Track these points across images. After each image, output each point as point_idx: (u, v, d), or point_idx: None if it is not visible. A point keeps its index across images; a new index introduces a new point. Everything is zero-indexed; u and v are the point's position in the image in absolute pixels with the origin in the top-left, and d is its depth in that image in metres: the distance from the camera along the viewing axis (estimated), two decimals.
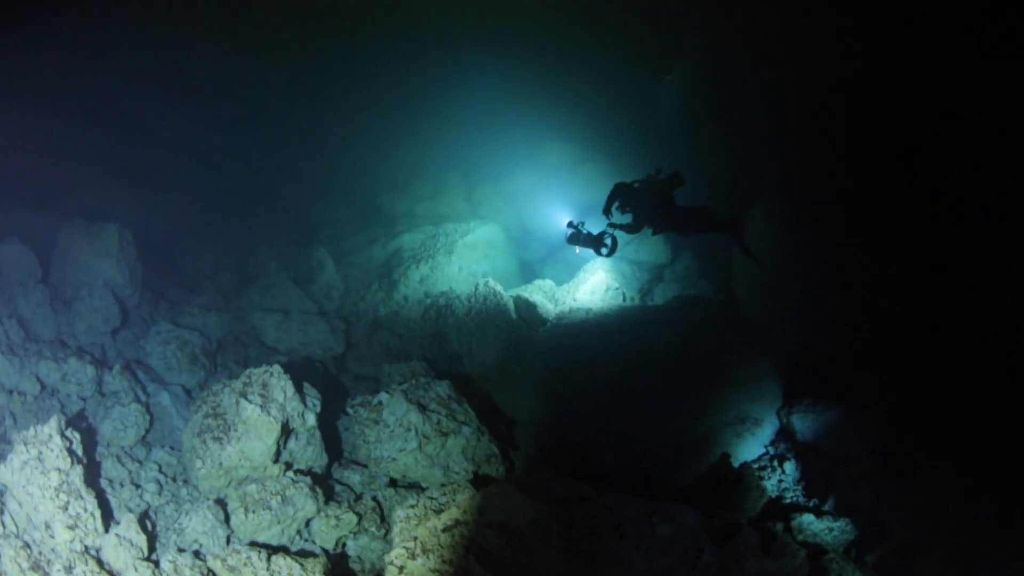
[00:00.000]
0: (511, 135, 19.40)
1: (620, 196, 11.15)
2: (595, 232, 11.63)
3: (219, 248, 16.20)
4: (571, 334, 12.54)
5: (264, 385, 7.87)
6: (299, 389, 8.28)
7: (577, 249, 12.16)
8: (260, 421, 7.56)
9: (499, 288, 13.21)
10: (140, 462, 9.26)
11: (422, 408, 8.56)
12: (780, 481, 9.54)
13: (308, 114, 20.98)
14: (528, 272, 16.96)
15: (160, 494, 8.79)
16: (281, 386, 7.88)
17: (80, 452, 7.75)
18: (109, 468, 8.95)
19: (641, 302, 14.75)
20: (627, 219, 11.35)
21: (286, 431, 8.00)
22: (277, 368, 8.06)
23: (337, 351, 12.18)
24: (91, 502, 7.31)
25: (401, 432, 8.37)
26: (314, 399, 8.38)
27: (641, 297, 15.09)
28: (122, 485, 8.74)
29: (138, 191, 16.39)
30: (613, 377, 11.52)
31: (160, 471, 9.19)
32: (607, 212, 11.25)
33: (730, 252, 13.08)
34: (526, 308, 13.46)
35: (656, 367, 11.57)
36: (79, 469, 7.39)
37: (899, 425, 9.57)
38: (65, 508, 7.02)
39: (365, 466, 9.02)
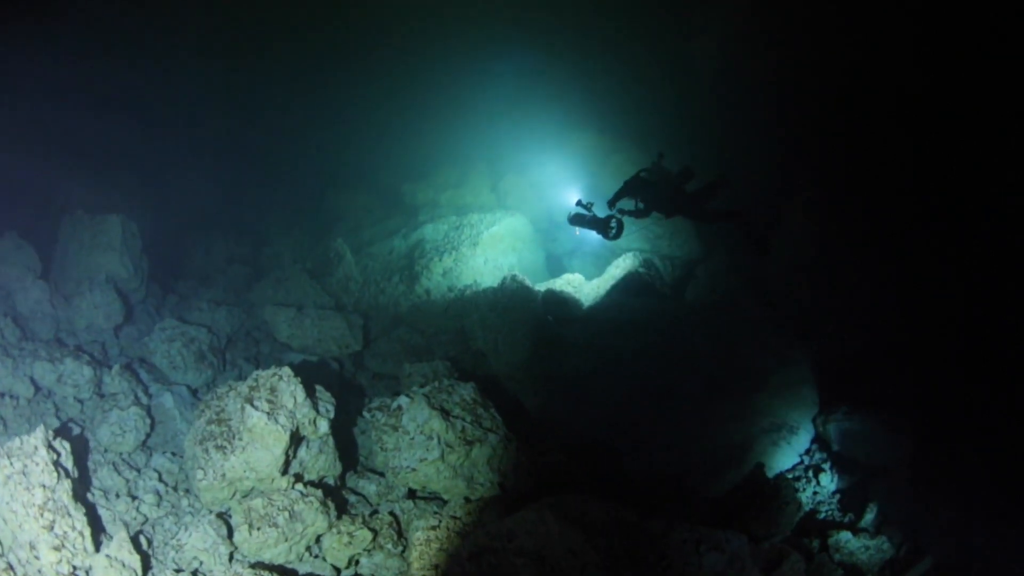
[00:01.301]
0: (539, 123, 18.60)
1: (630, 190, 11.11)
2: (601, 216, 11.49)
3: (232, 239, 15.50)
4: (603, 333, 11.77)
5: (272, 390, 7.09)
6: (311, 393, 7.51)
7: (577, 231, 12.20)
8: (267, 430, 6.80)
9: (527, 282, 12.46)
10: (138, 470, 8.58)
11: (445, 414, 7.76)
12: (815, 493, 9.44)
13: (328, 100, 20.29)
14: (555, 266, 16.18)
15: (159, 505, 8.09)
16: (291, 391, 7.09)
17: (70, 464, 7.06)
18: (105, 477, 8.29)
19: (675, 299, 13.93)
20: (631, 205, 11.27)
21: (296, 439, 7.24)
22: (287, 371, 7.28)
23: (354, 348, 11.43)
24: (80, 520, 6.60)
25: (422, 440, 7.57)
26: (327, 404, 7.61)
27: (674, 294, 14.28)
28: (118, 496, 8.05)
29: (147, 181, 15.91)
30: (647, 379, 10.96)
31: (160, 479, 8.50)
32: (613, 204, 11.27)
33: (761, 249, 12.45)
34: (555, 304, 12.68)
35: (692, 369, 11.04)
36: (67, 484, 6.68)
37: (936, 434, 9.64)
38: (51, 528, 6.31)
39: (382, 475, 8.30)
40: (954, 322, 10.77)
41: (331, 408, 7.57)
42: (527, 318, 11.64)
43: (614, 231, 11.40)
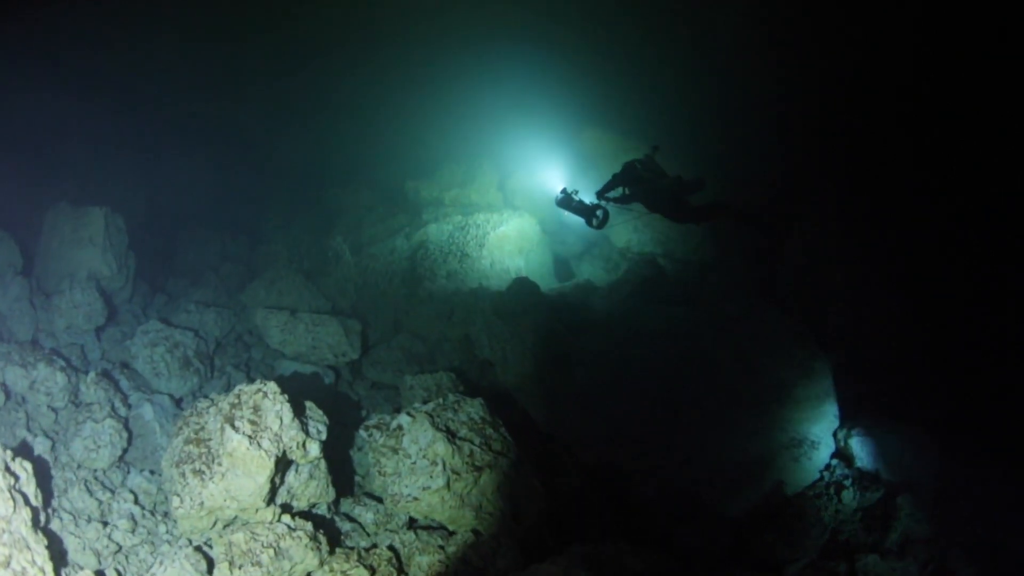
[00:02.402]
0: (547, 120, 17.87)
1: (620, 182, 10.87)
2: (587, 202, 11.39)
3: (227, 236, 14.74)
4: (616, 343, 11.10)
5: (255, 409, 6.27)
6: (300, 412, 6.71)
7: (565, 213, 12.01)
8: (249, 456, 6.00)
9: (536, 287, 11.76)
10: (113, 490, 7.90)
11: (451, 435, 6.97)
12: (838, 512, 9.00)
13: (330, 93, 19.41)
14: (563, 269, 15.49)
15: (134, 532, 7.39)
16: (276, 411, 6.27)
17: (31, 489, 6.31)
18: (75, 498, 7.61)
19: (691, 307, 13.19)
20: (618, 192, 11.02)
21: (283, 464, 6.44)
22: (272, 387, 6.45)
23: (351, 356, 10.62)
24: (40, 553, 5.90)
25: (425, 466, 6.78)
26: (319, 424, 6.80)
27: (689, 300, 13.55)
28: (89, 521, 7.35)
29: (140, 172, 15.15)
30: (663, 392, 10.36)
31: (136, 501, 7.81)
32: (601, 196, 11.07)
33: (777, 256, 13.14)
34: (566, 311, 11.95)
35: (711, 381, 10.45)
36: (25, 513, 5.96)
37: (962, 448, 9.30)
38: (7, 563, 5.56)
39: (380, 500, 7.50)
40: (981, 332, 10.31)
41: (323, 429, 6.75)
42: (536, 326, 10.94)
43: (598, 220, 11.30)
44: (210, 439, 6.45)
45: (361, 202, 16.78)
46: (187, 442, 6.56)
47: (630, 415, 10.12)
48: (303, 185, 18.17)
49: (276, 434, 6.17)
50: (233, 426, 6.07)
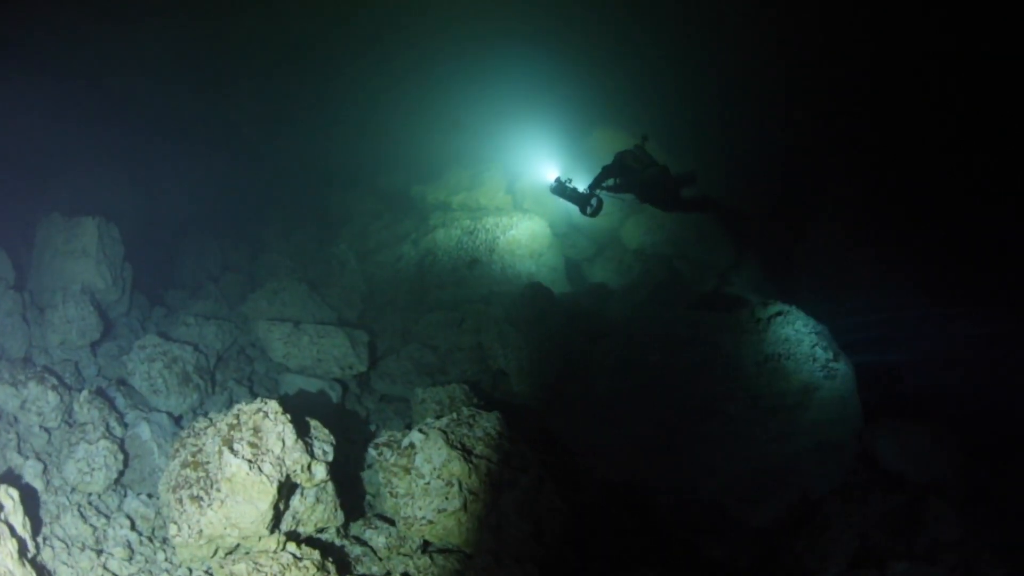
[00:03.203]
0: (556, 121, 17.50)
1: (610, 175, 11.12)
2: (580, 190, 11.52)
3: (228, 245, 14.28)
4: (636, 349, 10.63)
5: (256, 430, 5.78)
6: (304, 432, 6.23)
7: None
8: (249, 481, 5.52)
9: (550, 292, 11.36)
10: (108, 516, 7.39)
11: (467, 453, 6.50)
12: (864, 517, 8.55)
13: (333, 98, 19.13)
14: (575, 273, 15.01)
15: (130, 560, 6.90)
16: (278, 432, 5.77)
17: (19, 518, 5.86)
18: (68, 525, 7.12)
19: (709, 308, 12.78)
20: (611, 181, 11.28)
21: (287, 488, 5.96)
22: (273, 406, 5.95)
23: (359, 369, 10.10)
24: None
25: (440, 486, 6.30)
26: (325, 444, 6.30)
27: (707, 303, 13.14)
28: (83, 549, 6.86)
29: (138, 181, 14.77)
30: (686, 399, 9.96)
31: (133, 527, 7.32)
32: (594, 188, 11.29)
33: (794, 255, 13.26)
34: (581, 316, 11.52)
35: (734, 386, 10.02)
36: (11, 545, 5.49)
37: (990, 449, 9.23)
38: None
39: (392, 523, 7.01)
40: (1006, 328, 10.34)
41: (329, 449, 6.26)
42: (552, 334, 10.54)
43: (592, 209, 11.38)
44: (208, 462, 5.98)
45: (366, 208, 16.35)
46: (184, 465, 6.09)
47: (651, 424, 9.75)
48: (306, 192, 17.79)
49: (278, 457, 5.68)
50: (232, 449, 5.59)
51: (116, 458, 7.70)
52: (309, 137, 18.95)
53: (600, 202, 11.40)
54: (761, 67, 14.78)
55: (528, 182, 16.29)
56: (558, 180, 11.66)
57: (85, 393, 8.30)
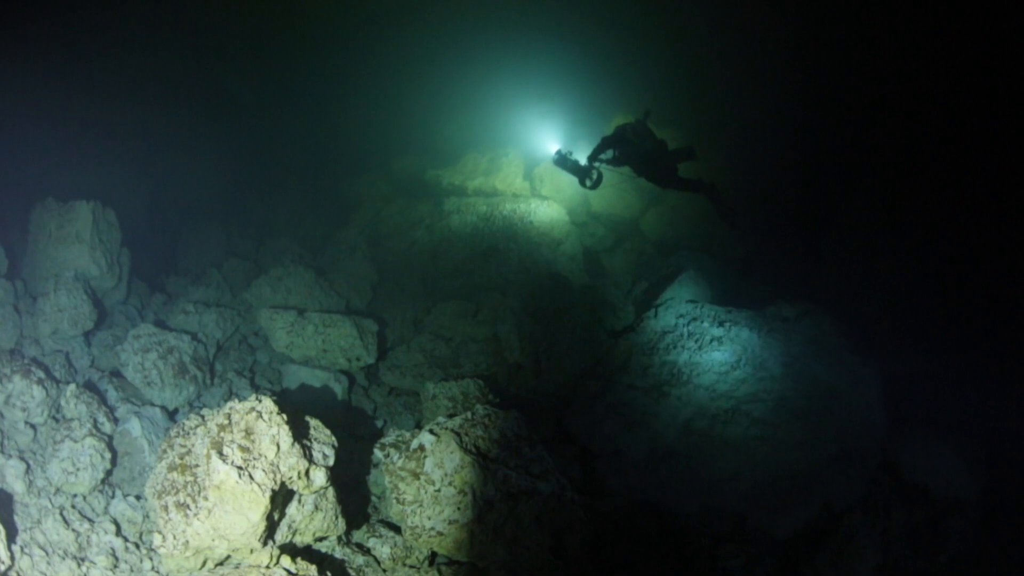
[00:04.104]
0: (575, 104, 17.06)
1: (610, 146, 11.08)
2: (582, 163, 11.54)
3: (234, 230, 13.71)
4: (662, 346, 10.12)
5: (247, 432, 5.15)
6: (303, 433, 5.61)
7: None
8: (239, 490, 4.91)
9: (570, 283, 10.96)
10: (92, 520, 6.83)
11: (482, 458, 5.88)
12: (886, 531, 8.34)
13: (347, 79, 18.62)
14: (594, 263, 14.50)
15: (114, 570, 6.36)
16: (272, 435, 5.14)
17: None
18: (50, 530, 6.62)
19: (734, 306, 12.26)
20: (609, 154, 11.26)
21: (282, 496, 5.35)
22: (267, 405, 5.31)
23: (366, 360, 9.50)
24: None
25: (452, 494, 5.69)
26: (326, 446, 5.67)
27: (732, 300, 12.60)
28: (63, 557, 6.35)
29: (143, 164, 14.25)
30: (712, 400, 9.51)
31: (118, 532, 6.77)
32: (593, 160, 11.27)
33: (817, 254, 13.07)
34: (603, 308, 10.93)
35: (760, 388, 9.60)
36: None
37: (1010, 463, 9.03)
38: None
39: (398, 530, 6.43)
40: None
41: (331, 453, 5.64)
42: (573, 326, 9.98)
43: (592, 181, 11.47)
44: (197, 466, 5.39)
45: (378, 192, 15.83)
46: (171, 468, 5.50)
47: (673, 426, 9.30)
48: (318, 176, 17.23)
49: (272, 463, 5.07)
50: (221, 454, 4.99)
51: (103, 457, 7.17)
52: (321, 119, 18.44)
53: (600, 175, 11.44)
54: (784, 67, 14.54)
55: (546, 168, 15.75)
56: (559, 152, 11.71)
57: (72, 387, 7.75)
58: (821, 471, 8.74)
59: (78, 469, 6.99)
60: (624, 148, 10.92)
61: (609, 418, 9.35)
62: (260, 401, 5.31)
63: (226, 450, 5.04)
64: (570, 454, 8.81)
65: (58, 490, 6.96)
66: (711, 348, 10.04)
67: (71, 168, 12.66)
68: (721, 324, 10.33)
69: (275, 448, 5.09)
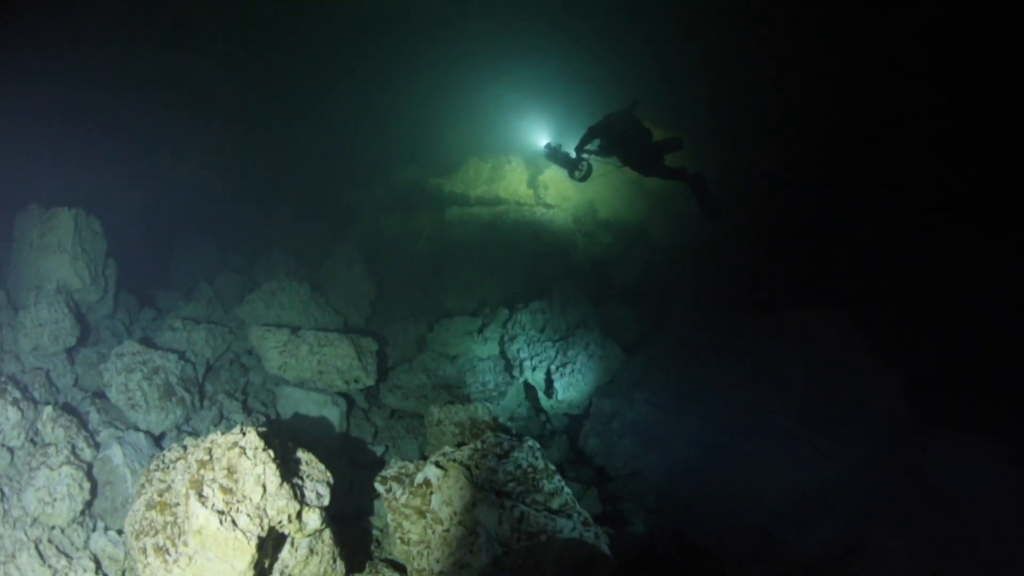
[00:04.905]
0: (580, 110, 16.67)
1: (596, 135, 11.19)
2: (572, 155, 11.74)
3: (226, 242, 13.18)
4: (681, 358, 9.90)
5: (230, 471, 4.55)
6: (294, 470, 5.02)
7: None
8: (221, 537, 4.32)
9: (582, 296, 10.63)
10: (70, 556, 6.28)
11: (495, 494, 5.31)
12: (916, 540, 8.21)
13: (345, 88, 18.21)
14: (603, 273, 14.02)
15: None
16: (258, 474, 4.54)
17: None
18: (25, 565, 6.24)
19: (751, 314, 11.83)
20: (595, 145, 11.42)
21: (272, 541, 4.76)
22: (252, 440, 4.70)
23: (365, 382, 8.83)
24: None
25: (462, 535, 5.10)
26: (320, 484, 5.07)
27: (748, 308, 12.18)
28: None
29: (133, 171, 13.86)
30: (732, 414, 9.33)
31: (97, 570, 6.17)
32: (580, 151, 11.46)
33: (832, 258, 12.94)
34: (617, 322, 10.49)
35: (782, 399, 9.43)
36: None
37: None
38: None
39: (403, 570, 5.85)
40: None
41: (325, 492, 5.03)
42: (586, 342, 9.58)
43: (581, 173, 11.68)
44: (177, 504, 4.83)
45: (378, 203, 15.38)
46: (149, 506, 4.95)
47: (694, 443, 9.08)
48: (313, 186, 16.80)
49: (258, 507, 4.47)
50: (200, 495, 4.40)
51: (81, 487, 6.64)
52: (319, 128, 18.00)
53: (590, 167, 11.64)
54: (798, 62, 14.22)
55: (551, 175, 15.38)
56: (548, 145, 12.07)
57: (48, 410, 7.22)
58: (846, 482, 8.61)
59: (55, 499, 6.49)
60: (609, 137, 11.01)
61: (626, 437, 9.11)
62: (244, 435, 4.71)
63: (206, 490, 4.46)
64: (586, 477, 8.48)
65: (35, 521, 6.47)
66: (730, 360, 9.84)
67: (63, 174, 12.25)
68: (739, 334, 10.19)
69: (261, 490, 4.50)
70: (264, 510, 4.49)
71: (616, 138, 10.90)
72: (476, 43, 17.36)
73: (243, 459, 4.56)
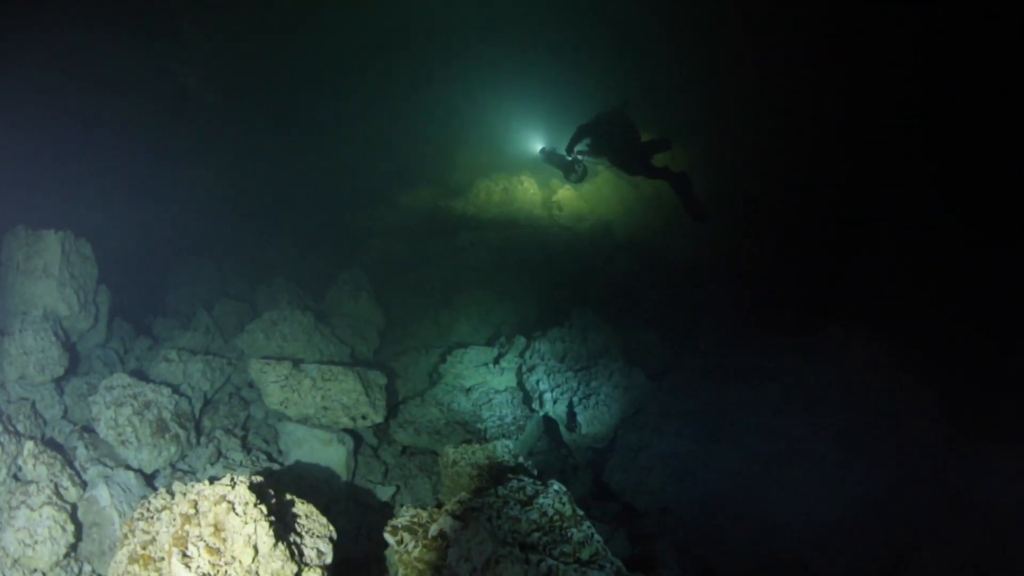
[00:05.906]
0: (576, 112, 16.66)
1: (585, 134, 11.44)
2: (566, 157, 11.99)
3: (227, 267, 12.74)
4: (712, 386, 9.53)
5: (217, 529, 3.93)
6: (290, 527, 4.41)
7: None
8: None
9: (601, 323, 10.09)
10: None
11: (521, 548, 4.70)
12: (954, 560, 7.96)
13: (351, 110, 18.22)
14: (620, 294, 13.67)
15: None
16: (247, 534, 3.92)
17: None
18: None
19: (779, 332, 11.43)
20: (584, 146, 11.66)
21: None
22: (242, 494, 4.07)
23: (373, 419, 8.14)
24: None
25: None
26: (321, 540, 4.44)
27: (774, 326, 11.79)
28: None
29: (132, 194, 13.51)
30: (767, 440, 9.06)
31: None
32: (570, 150, 11.72)
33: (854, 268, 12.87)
34: (641, 348, 10.08)
35: (818, 421, 9.15)
36: None
37: None
38: None
39: None
40: None
41: (327, 549, 4.40)
42: (610, 372, 9.19)
43: (576, 175, 12.06)
44: (162, 559, 4.25)
45: (386, 227, 15.05)
46: (132, 559, 4.37)
47: (727, 473, 8.80)
48: (318, 210, 16.51)
49: (249, 570, 3.88)
50: (184, 554, 3.81)
51: (64, 529, 6.15)
52: (324, 150, 17.89)
53: (585, 169, 12.00)
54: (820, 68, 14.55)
55: (565, 195, 15.25)
56: (543, 150, 12.55)
57: (30, 445, 6.70)
58: (882, 505, 8.41)
59: (36, 542, 6.02)
60: (597, 137, 11.26)
61: (655, 471, 8.76)
62: (233, 487, 4.11)
63: (191, 550, 3.86)
64: (612, 513, 8.17)
65: (15, 562, 5.96)
66: (761, 383, 9.58)
67: (56, 195, 12.00)
68: (768, 356, 9.95)
69: (252, 551, 3.90)
70: (256, 574, 3.89)
71: (603, 139, 11.15)
72: (481, 59, 17.23)
73: (231, 516, 3.95)
